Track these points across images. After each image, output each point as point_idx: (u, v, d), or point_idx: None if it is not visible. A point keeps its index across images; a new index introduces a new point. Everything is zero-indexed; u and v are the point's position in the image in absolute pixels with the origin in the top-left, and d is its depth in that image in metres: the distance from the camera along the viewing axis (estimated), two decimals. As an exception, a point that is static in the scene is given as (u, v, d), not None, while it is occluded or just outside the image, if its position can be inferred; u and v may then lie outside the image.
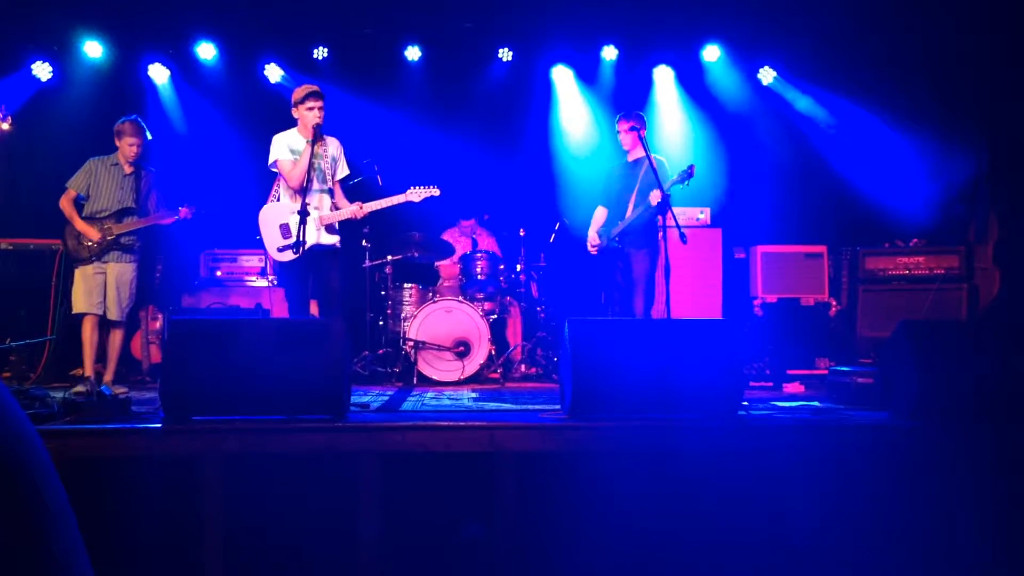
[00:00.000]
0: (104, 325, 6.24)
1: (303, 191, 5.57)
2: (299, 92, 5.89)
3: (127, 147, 6.22)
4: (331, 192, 5.96)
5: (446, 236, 8.16)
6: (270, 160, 5.95)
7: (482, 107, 8.66)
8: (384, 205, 6.04)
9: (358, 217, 5.95)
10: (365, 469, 3.88)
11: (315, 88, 5.89)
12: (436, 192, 6.09)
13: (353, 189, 6.40)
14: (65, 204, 6.18)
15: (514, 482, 3.92)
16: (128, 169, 6.28)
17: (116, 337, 6.29)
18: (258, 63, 8.52)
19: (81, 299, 6.14)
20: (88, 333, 6.14)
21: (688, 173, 5.95)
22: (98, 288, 6.17)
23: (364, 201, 5.98)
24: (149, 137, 6.34)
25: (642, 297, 6.36)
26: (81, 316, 6.15)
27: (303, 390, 4.03)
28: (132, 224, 6.22)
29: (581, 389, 4.11)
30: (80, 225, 6.13)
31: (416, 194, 6.05)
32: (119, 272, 6.20)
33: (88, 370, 6.10)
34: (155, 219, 6.30)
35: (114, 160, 6.26)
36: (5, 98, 7.59)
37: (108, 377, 6.23)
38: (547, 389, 6.37)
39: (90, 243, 6.13)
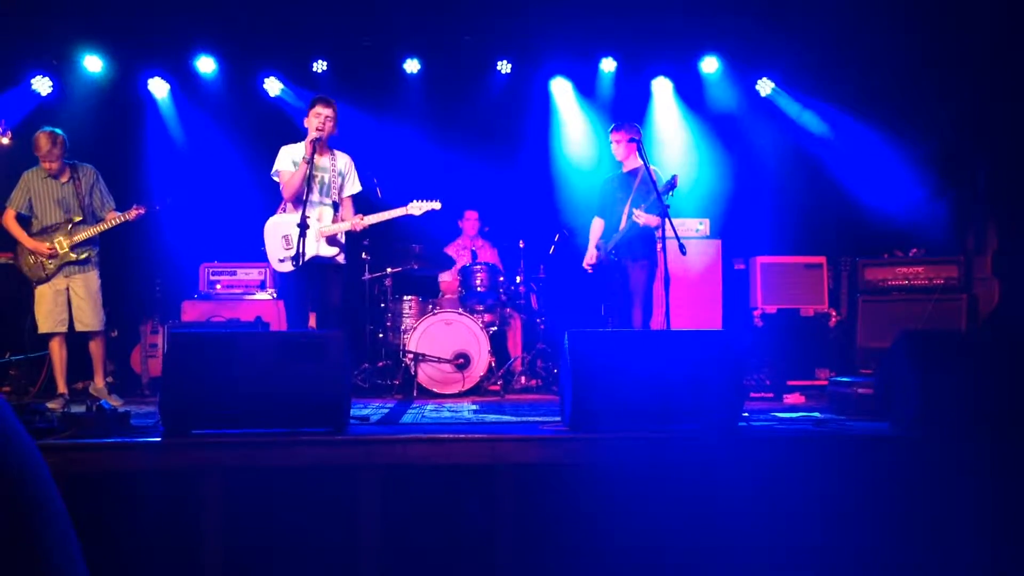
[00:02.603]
0: (79, 338, 6.16)
1: (302, 202, 5.55)
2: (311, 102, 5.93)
3: (42, 164, 6.05)
4: (335, 206, 5.95)
5: (448, 250, 8.18)
6: (272, 170, 5.97)
7: (481, 119, 8.68)
8: (385, 218, 6.05)
9: (358, 230, 5.96)
10: (365, 482, 3.87)
11: (322, 96, 5.90)
12: (437, 206, 6.10)
13: (353, 201, 6.41)
14: (8, 223, 6.06)
15: (515, 494, 3.91)
16: (64, 177, 6.13)
17: (97, 346, 6.19)
18: (257, 77, 8.55)
19: (45, 318, 6.05)
20: (56, 351, 6.09)
21: (671, 184, 5.94)
22: (61, 306, 6.07)
23: (364, 213, 6.01)
24: (59, 147, 6.04)
25: (641, 308, 6.36)
26: (47, 336, 6.09)
27: (303, 403, 4.03)
28: (83, 233, 6.08)
29: (581, 401, 4.11)
30: (29, 242, 6.01)
31: (417, 207, 6.06)
32: (84, 283, 6.11)
33: (61, 387, 6.06)
34: (106, 224, 6.13)
35: (47, 172, 6.10)
36: (5, 112, 7.60)
37: (99, 384, 6.18)
38: (547, 401, 6.37)
39: (43, 260, 6.02)
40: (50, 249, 6.02)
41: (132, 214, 6.14)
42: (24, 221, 6.12)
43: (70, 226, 6.10)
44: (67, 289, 6.10)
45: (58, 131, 6.08)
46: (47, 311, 6.06)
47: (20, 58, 7.95)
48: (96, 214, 6.21)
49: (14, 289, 6.95)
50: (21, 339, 6.71)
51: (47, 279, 6.06)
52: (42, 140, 6.01)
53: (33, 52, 7.98)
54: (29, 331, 6.35)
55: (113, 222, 6.14)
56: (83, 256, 6.12)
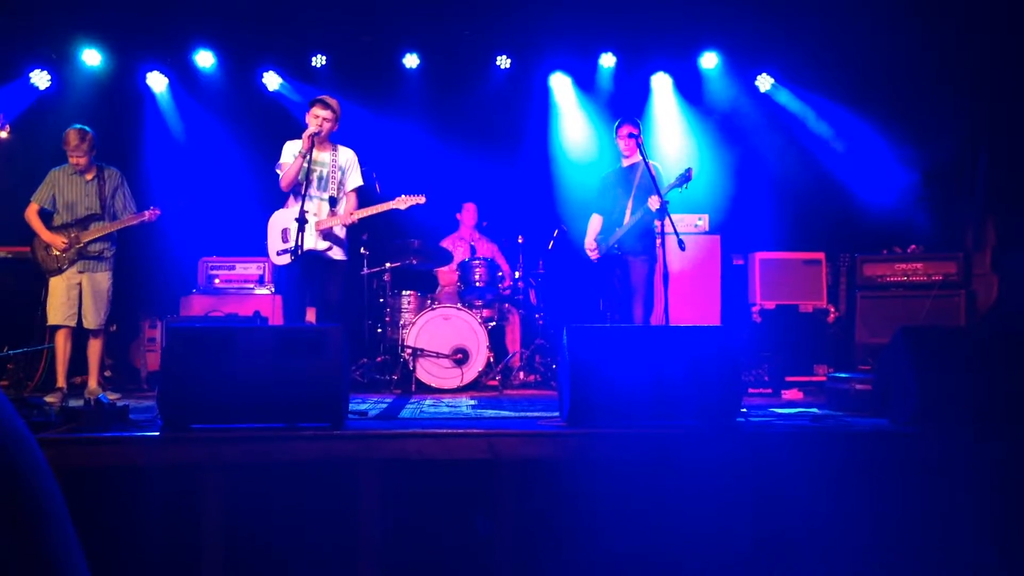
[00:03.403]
0: (82, 334, 6.22)
1: (301, 196, 5.59)
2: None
3: (70, 158, 6.16)
4: (332, 200, 5.98)
5: (445, 243, 8.18)
6: (277, 164, 6.02)
7: (480, 114, 8.68)
8: (373, 212, 6.10)
9: (346, 224, 5.99)
10: (364, 477, 3.88)
11: (322, 96, 5.93)
12: (422, 200, 6.17)
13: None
14: (30, 216, 6.15)
15: (513, 489, 3.92)
16: (89, 175, 6.23)
17: (96, 345, 6.26)
18: (256, 71, 8.54)
19: (56, 310, 6.11)
20: (61, 344, 6.12)
21: (686, 176, 5.95)
22: (73, 299, 6.13)
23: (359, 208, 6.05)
24: (88, 143, 6.14)
25: (641, 304, 6.36)
26: (54, 328, 6.14)
27: (301, 398, 4.02)
28: (99, 230, 6.17)
29: (579, 396, 4.11)
30: (46, 235, 6.10)
31: (403, 202, 6.14)
32: (96, 281, 6.18)
33: (61, 381, 6.08)
34: (122, 223, 6.24)
35: (72, 168, 6.20)
36: (4, 106, 7.61)
37: (92, 384, 6.23)
38: (546, 396, 6.37)
39: (58, 252, 6.10)
40: (65, 243, 6.10)
41: (147, 215, 6.25)
42: (45, 217, 6.21)
43: (89, 223, 6.19)
44: (79, 284, 6.17)
45: (88, 129, 6.18)
46: (58, 304, 6.11)
47: (19, 52, 7.94)
48: (117, 216, 6.31)
49: (16, 284, 6.97)
50: (19, 333, 6.72)
51: (60, 271, 6.12)
52: (72, 135, 6.11)
53: (32, 46, 7.97)
54: (40, 323, 6.42)
55: (129, 222, 6.24)
56: (98, 251, 6.19)
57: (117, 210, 6.31)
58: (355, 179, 6.13)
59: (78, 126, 6.16)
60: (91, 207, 6.20)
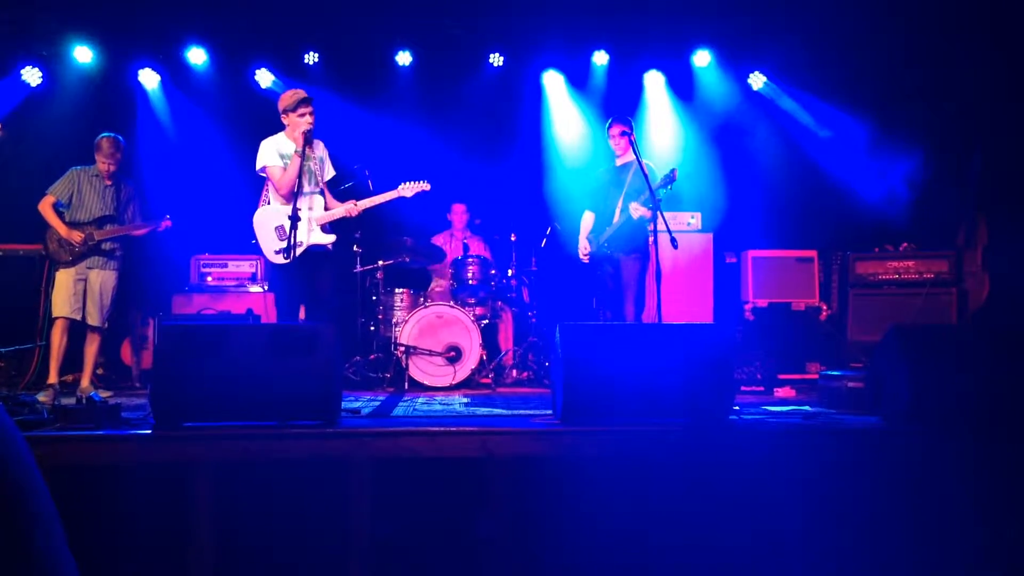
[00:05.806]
0: (81, 330, 6.28)
1: (294, 195, 5.54)
2: (288, 99, 5.84)
3: (100, 164, 6.29)
4: (323, 192, 5.99)
5: (437, 240, 8.17)
6: (258, 165, 5.94)
7: (473, 112, 8.66)
8: (377, 202, 6.10)
9: (352, 216, 5.99)
10: (356, 475, 3.87)
11: (306, 95, 5.87)
12: (427, 186, 6.18)
13: (344, 193, 6.42)
14: (45, 208, 6.21)
15: (506, 487, 3.92)
16: (109, 181, 6.35)
17: (94, 343, 6.35)
18: (249, 68, 8.51)
19: (61, 303, 6.17)
20: (58, 337, 6.17)
21: (670, 177, 5.93)
22: (79, 294, 6.22)
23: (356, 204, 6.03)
24: (121, 153, 6.35)
25: (633, 302, 6.36)
26: (55, 319, 6.18)
27: (294, 396, 4.02)
28: (113, 230, 6.29)
29: (572, 394, 4.11)
30: (63, 230, 6.17)
31: (408, 189, 6.14)
32: (102, 279, 6.29)
33: (53, 376, 6.10)
34: (135, 228, 6.42)
35: (95, 171, 6.32)
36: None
37: (85, 383, 6.27)
38: (538, 394, 6.37)
39: (71, 246, 6.17)
40: (81, 238, 6.20)
41: (162, 225, 6.51)
42: (56, 211, 6.27)
43: (104, 223, 6.29)
44: (85, 280, 6.26)
45: (121, 139, 6.37)
46: (64, 297, 6.19)
47: (10, 49, 7.90)
48: (126, 224, 6.44)
49: (3, 281, 6.94)
50: (9, 331, 6.70)
51: (70, 264, 6.20)
52: (106, 143, 6.28)
53: (23, 43, 7.93)
54: (36, 320, 6.55)
55: (142, 229, 6.47)
56: (109, 249, 6.33)
57: (127, 219, 6.45)
58: (329, 170, 6.15)
59: (111, 134, 6.33)
60: (106, 210, 6.31)
